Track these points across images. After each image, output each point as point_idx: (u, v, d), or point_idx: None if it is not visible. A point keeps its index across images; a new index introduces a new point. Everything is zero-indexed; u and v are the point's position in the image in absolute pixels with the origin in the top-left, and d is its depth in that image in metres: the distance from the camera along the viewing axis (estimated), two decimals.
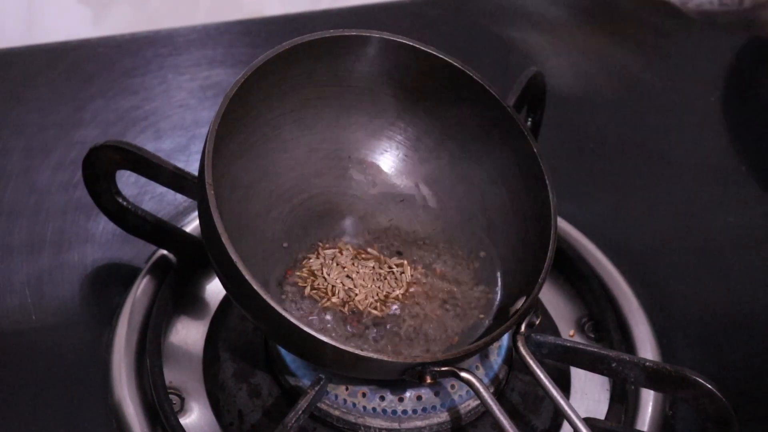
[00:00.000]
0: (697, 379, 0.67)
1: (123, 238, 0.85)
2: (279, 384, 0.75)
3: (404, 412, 0.72)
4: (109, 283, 0.85)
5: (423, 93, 0.78)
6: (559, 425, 0.76)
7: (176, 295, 0.82)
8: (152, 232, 0.82)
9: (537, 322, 0.72)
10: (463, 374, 0.67)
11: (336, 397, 0.72)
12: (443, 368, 0.67)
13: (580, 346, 0.72)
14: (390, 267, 0.76)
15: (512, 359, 0.78)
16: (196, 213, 0.85)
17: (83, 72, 1.05)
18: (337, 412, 0.72)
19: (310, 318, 0.73)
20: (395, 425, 0.72)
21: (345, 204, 0.80)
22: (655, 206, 0.97)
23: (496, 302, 0.76)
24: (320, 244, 0.77)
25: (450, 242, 0.79)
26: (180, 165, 0.80)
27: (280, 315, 0.63)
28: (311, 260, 0.76)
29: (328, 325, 0.72)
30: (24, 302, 0.83)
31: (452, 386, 0.73)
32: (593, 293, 0.84)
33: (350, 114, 0.79)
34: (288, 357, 0.74)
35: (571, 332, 0.84)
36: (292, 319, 0.63)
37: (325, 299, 0.73)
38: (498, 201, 0.78)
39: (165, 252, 0.84)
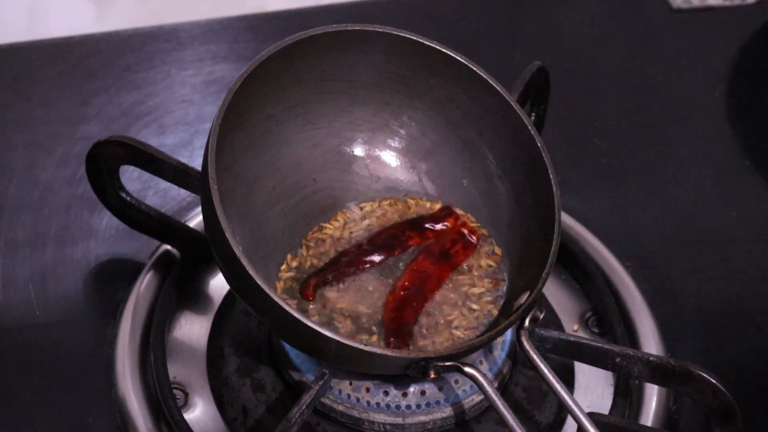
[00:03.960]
0: (701, 373, 0.67)
1: (126, 234, 0.85)
2: (283, 379, 0.75)
3: (408, 407, 0.72)
4: (112, 278, 0.85)
5: (427, 87, 0.78)
6: (563, 420, 0.76)
7: (180, 290, 0.82)
8: (156, 227, 0.82)
9: (541, 317, 0.72)
10: (467, 369, 0.67)
11: (340, 392, 0.72)
12: (447, 363, 0.67)
13: (584, 341, 0.72)
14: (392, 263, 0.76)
15: (516, 354, 0.78)
16: (199, 208, 0.85)
17: (87, 67, 1.05)
18: (341, 407, 0.72)
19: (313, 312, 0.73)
20: (399, 420, 0.72)
21: (349, 199, 0.80)
22: (658, 201, 0.97)
23: (500, 297, 0.76)
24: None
25: None
26: (183, 160, 0.80)
27: (284, 310, 0.63)
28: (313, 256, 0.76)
29: (332, 320, 0.72)
30: (28, 297, 0.83)
31: (456, 381, 0.73)
32: (597, 288, 0.84)
33: (354, 109, 0.79)
34: (292, 352, 0.74)
35: (575, 327, 0.84)
36: (296, 314, 0.63)
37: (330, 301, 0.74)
38: (502, 196, 0.78)
39: (168, 247, 0.84)
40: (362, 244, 0.76)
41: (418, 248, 0.77)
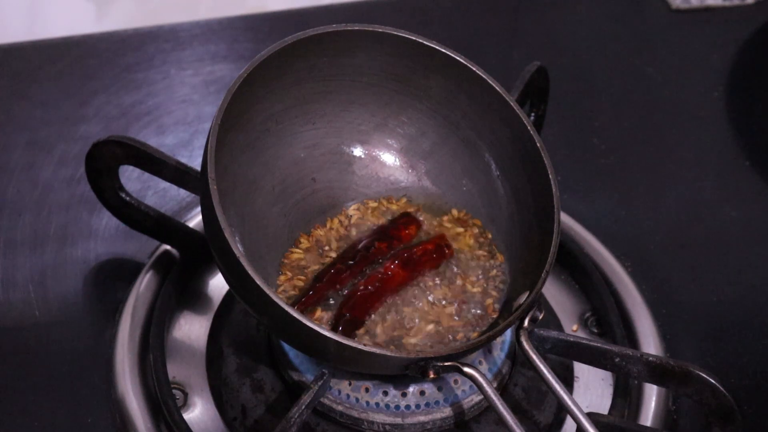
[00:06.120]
0: (700, 374, 0.67)
1: (126, 234, 0.85)
2: (282, 379, 0.75)
3: (407, 407, 0.72)
4: (112, 278, 0.85)
5: (426, 88, 0.78)
6: (562, 420, 0.76)
7: (179, 290, 0.82)
8: (155, 227, 0.82)
9: (540, 317, 0.72)
10: (467, 369, 0.67)
11: (339, 392, 0.72)
12: (446, 363, 0.67)
13: (584, 341, 0.72)
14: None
15: (515, 354, 0.78)
16: (199, 208, 0.85)
17: (86, 67, 1.05)
18: (340, 407, 0.72)
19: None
20: (398, 420, 0.72)
21: (348, 199, 0.80)
22: (658, 201, 0.97)
23: (500, 297, 0.76)
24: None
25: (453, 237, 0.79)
26: (183, 160, 0.80)
27: (283, 310, 0.63)
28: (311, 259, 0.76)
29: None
30: (27, 298, 0.83)
31: (455, 381, 0.73)
32: (596, 288, 0.84)
33: (353, 109, 0.79)
34: (291, 352, 0.74)
35: (575, 327, 0.84)
36: (295, 314, 0.63)
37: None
38: (501, 196, 0.78)
39: (168, 247, 0.84)
40: (336, 263, 0.75)
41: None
